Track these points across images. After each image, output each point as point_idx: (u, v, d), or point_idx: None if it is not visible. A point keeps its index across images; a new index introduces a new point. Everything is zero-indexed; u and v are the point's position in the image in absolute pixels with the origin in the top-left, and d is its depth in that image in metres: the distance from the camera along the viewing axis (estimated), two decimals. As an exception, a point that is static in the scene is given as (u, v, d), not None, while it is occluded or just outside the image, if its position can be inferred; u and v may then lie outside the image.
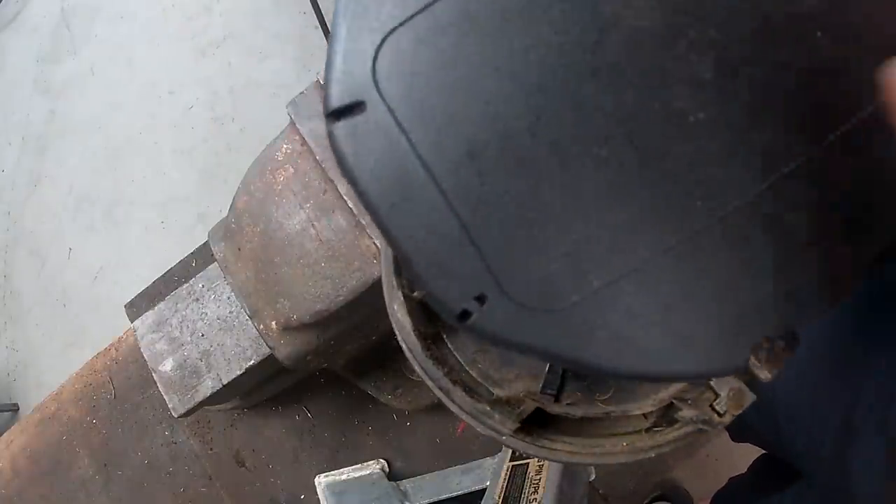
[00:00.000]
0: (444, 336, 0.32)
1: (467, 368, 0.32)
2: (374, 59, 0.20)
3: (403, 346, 0.32)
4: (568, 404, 0.30)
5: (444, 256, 0.20)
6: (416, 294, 0.31)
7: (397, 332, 0.32)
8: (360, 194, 0.20)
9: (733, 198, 0.20)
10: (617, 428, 0.31)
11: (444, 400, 0.31)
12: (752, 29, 0.20)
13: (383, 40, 0.20)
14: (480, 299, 0.20)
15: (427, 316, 0.32)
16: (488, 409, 0.29)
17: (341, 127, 0.20)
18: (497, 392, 0.31)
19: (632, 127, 0.19)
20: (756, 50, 0.20)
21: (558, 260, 0.20)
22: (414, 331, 0.30)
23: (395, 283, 0.31)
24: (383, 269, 0.33)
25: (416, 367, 0.32)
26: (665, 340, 0.20)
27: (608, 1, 0.20)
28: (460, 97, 0.20)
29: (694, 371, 0.21)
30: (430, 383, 0.31)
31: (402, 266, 0.22)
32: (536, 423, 0.30)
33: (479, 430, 0.31)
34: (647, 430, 0.30)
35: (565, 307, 0.20)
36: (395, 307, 0.31)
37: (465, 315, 0.20)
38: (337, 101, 0.20)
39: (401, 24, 0.20)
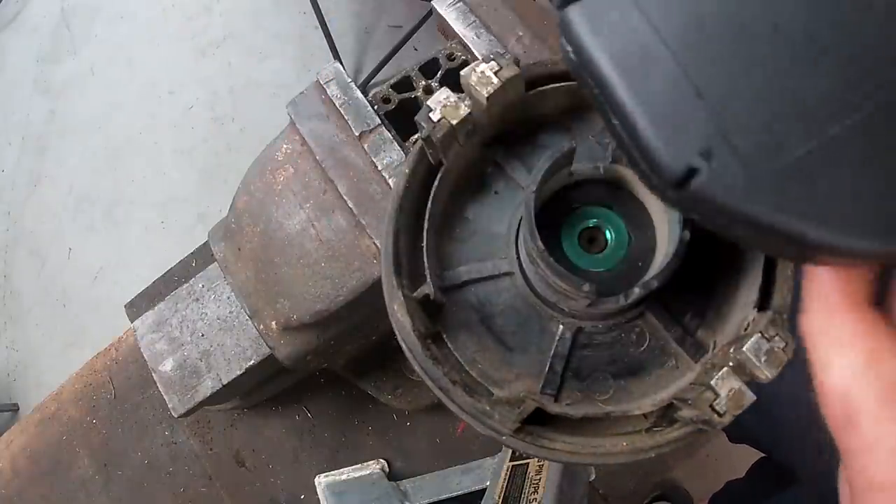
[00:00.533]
0: (444, 336, 0.32)
1: (467, 368, 0.32)
2: None
3: (403, 346, 0.32)
4: (567, 404, 0.30)
5: (671, 109, 0.19)
6: (415, 294, 0.31)
7: (397, 332, 0.32)
8: (593, 66, 0.20)
9: None
10: (617, 428, 0.31)
11: (444, 400, 0.31)
12: None
13: None
14: (707, 155, 0.19)
15: (427, 316, 0.32)
16: (488, 409, 0.29)
17: (575, 9, 0.20)
18: (497, 392, 0.31)
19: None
20: None
21: (782, 115, 0.19)
22: (414, 331, 0.30)
23: (395, 282, 0.31)
24: (383, 269, 0.33)
25: (416, 367, 0.32)
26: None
27: None
28: None
29: None
30: (429, 383, 0.31)
31: (619, 135, 0.21)
32: (536, 423, 0.30)
33: (479, 430, 0.31)
34: (648, 430, 0.30)
35: (790, 162, 0.19)
36: (395, 307, 0.31)
37: (690, 174, 0.19)
38: None
39: None
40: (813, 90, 0.19)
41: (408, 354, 0.32)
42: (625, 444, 0.29)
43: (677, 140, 0.19)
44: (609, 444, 0.30)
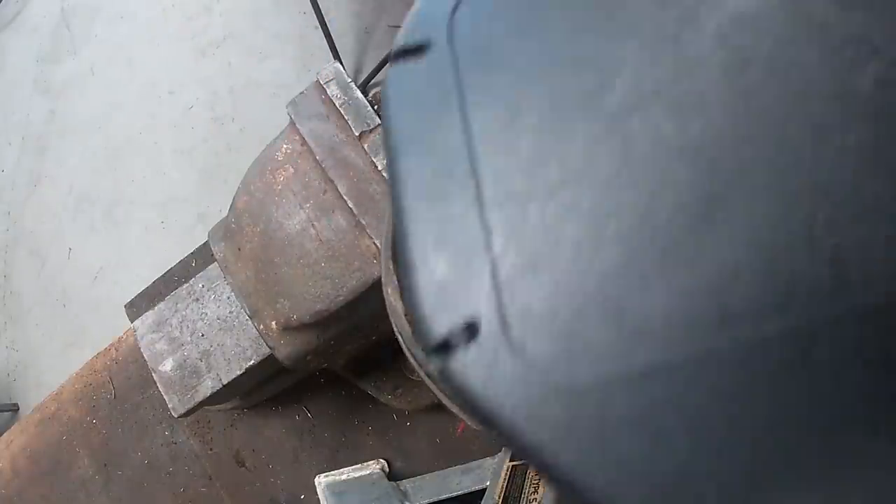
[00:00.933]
0: None
1: None
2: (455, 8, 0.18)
3: (396, 331, 0.32)
4: None
5: (454, 275, 0.15)
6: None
7: (391, 316, 0.32)
8: (386, 131, 0.18)
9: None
10: None
11: (433, 388, 0.31)
12: None
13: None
14: (471, 329, 0.15)
15: None
16: None
17: (399, 63, 0.18)
18: None
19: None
20: None
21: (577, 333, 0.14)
22: (406, 315, 0.30)
23: (391, 267, 0.31)
24: (382, 253, 0.33)
25: (406, 352, 0.32)
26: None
27: None
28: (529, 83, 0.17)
29: None
30: (418, 369, 0.31)
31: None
32: None
33: (471, 424, 0.31)
34: None
35: (593, 384, 0.14)
36: (389, 291, 0.31)
37: (442, 348, 0.15)
38: (407, 38, 0.18)
39: None
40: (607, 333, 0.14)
41: (399, 339, 0.32)
42: None
43: (444, 297, 0.16)
44: None
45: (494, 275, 0.15)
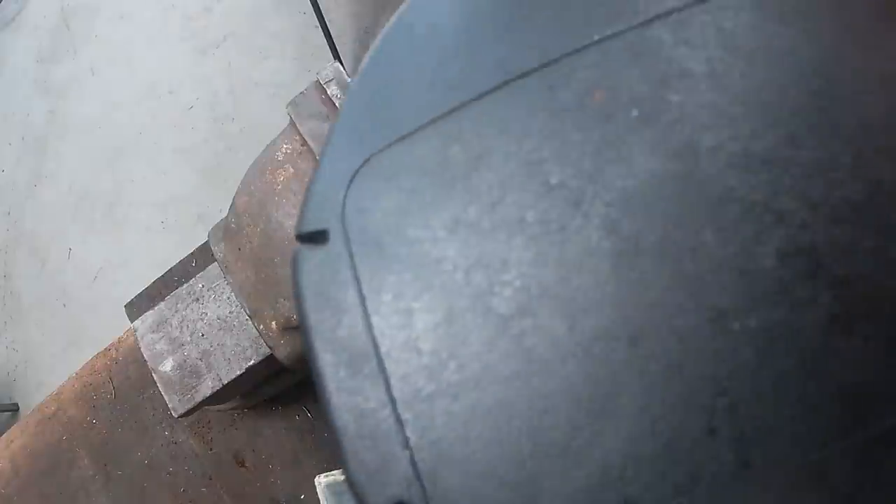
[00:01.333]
0: None
1: None
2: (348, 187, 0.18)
3: None
4: None
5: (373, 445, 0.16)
6: None
7: None
8: (300, 320, 0.19)
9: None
10: None
11: None
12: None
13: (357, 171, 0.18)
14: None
15: None
16: None
17: (303, 250, 0.18)
18: None
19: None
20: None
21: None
22: None
23: None
24: None
25: None
26: None
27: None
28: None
29: None
30: None
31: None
32: None
33: None
34: None
35: None
36: None
37: None
38: (305, 225, 0.19)
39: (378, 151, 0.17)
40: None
41: None
42: None
43: (373, 482, 0.16)
44: None
45: (413, 464, 0.16)
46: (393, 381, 0.16)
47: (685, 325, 0.14)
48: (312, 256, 0.18)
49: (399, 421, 0.16)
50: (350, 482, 0.17)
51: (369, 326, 0.17)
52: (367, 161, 0.18)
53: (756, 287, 0.14)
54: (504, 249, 0.16)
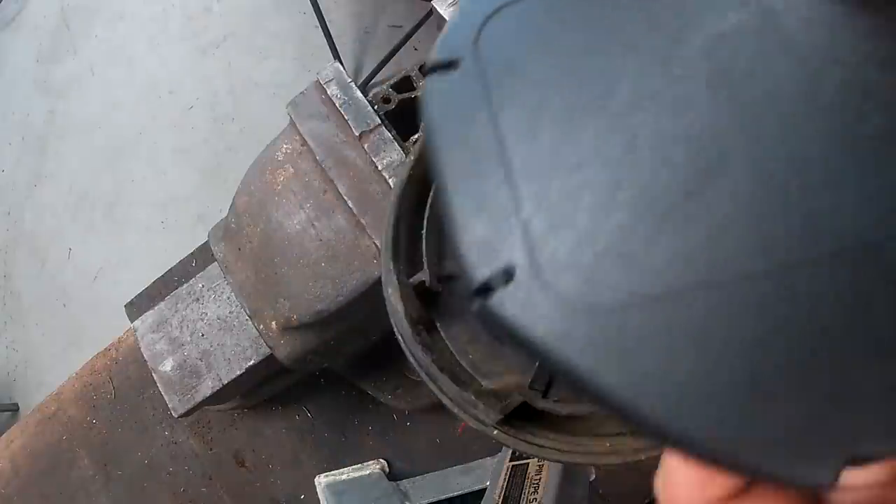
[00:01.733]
0: (438, 325, 0.33)
1: (458, 358, 0.32)
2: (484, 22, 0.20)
3: (396, 332, 0.32)
4: (555, 401, 0.30)
5: (490, 219, 0.18)
6: (411, 281, 0.31)
7: (391, 317, 0.32)
8: (427, 128, 0.20)
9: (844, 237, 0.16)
10: (602, 428, 0.30)
11: (432, 387, 0.31)
12: None
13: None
14: (507, 273, 0.17)
15: (423, 303, 0.32)
16: (473, 398, 0.30)
17: (434, 75, 0.20)
18: (485, 384, 0.31)
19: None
20: None
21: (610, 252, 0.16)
22: (406, 316, 0.31)
23: (391, 267, 0.32)
24: (383, 254, 0.33)
25: (406, 352, 0.32)
26: (734, 403, 0.15)
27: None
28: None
29: (770, 469, 0.15)
30: (418, 369, 0.32)
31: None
32: (521, 418, 0.30)
33: (462, 418, 0.31)
34: (632, 432, 0.29)
35: (613, 306, 0.16)
36: (390, 291, 0.31)
37: (483, 290, 0.17)
38: (438, 54, 0.20)
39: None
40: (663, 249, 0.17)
41: (399, 339, 0.32)
42: (608, 444, 0.29)
43: (484, 251, 0.18)
44: (593, 444, 0.29)
45: (525, 232, 0.17)
46: (513, 165, 0.18)
47: (765, 124, 0.17)
48: (443, 78, 0.20)
49: (516, 198, 0.18)
50: (460, 258, 0.18)
51: (496, 126, 0.19)
52: (505, 4, 0.20)
53: (818, 104, 0.17)
54: (621, 65, 0.19)
